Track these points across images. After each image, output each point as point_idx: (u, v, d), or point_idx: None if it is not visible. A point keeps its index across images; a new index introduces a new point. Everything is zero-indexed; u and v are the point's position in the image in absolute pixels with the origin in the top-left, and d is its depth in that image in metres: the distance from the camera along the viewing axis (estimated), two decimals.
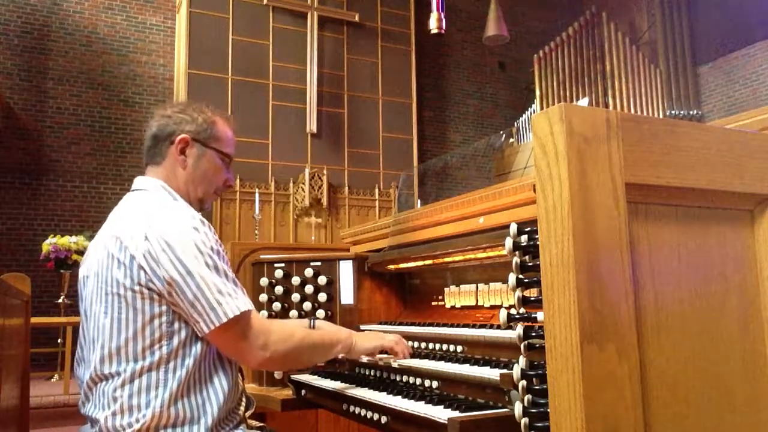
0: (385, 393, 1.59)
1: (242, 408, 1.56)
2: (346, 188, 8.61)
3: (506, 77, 10.87)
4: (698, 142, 1.06)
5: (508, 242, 1.14)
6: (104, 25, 8.17)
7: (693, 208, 1.08)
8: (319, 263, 2.20)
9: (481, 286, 1.86)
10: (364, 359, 1.77)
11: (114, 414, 1.36)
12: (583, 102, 7.49)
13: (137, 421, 1.35)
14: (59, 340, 6.04)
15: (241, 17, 8.22)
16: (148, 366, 1.37)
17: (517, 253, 1.13)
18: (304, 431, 2.52)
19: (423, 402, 1.44)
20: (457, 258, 1.88)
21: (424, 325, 1.91)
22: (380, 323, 2.13)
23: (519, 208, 1.65)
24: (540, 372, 1.07)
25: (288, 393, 2.03)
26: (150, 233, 1.38)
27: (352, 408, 1.65)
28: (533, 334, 1.10)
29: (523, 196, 1.62)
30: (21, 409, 2.52)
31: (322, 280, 2.16)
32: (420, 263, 2.04)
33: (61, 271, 6.12)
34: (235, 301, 1.38)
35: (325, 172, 8.36)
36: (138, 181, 1.61)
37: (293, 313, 2.18)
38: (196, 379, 1.41)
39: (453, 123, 10.37)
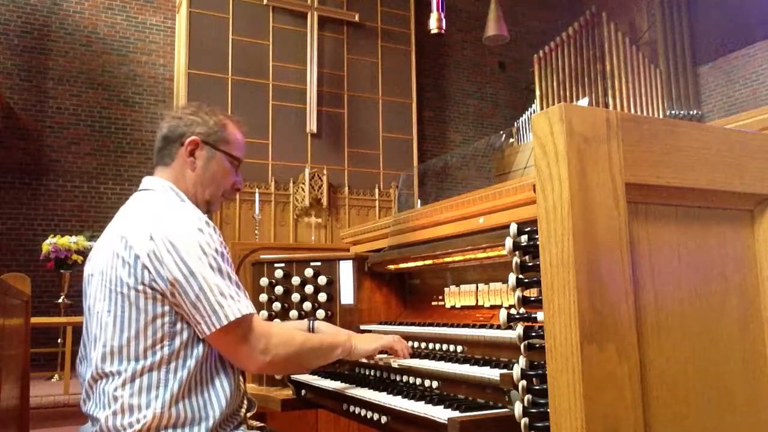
0: (385, 393, 1.59)
1: (243, 410, 1.56)
2: (346, 188, 8.61)
3: (506, 77, 10.87)
4: (698, 142, 1.06)
5: (508, 242, 1.14)
6: (104, 25, 8.17)
7: (693, 208, 1.08)
8: (319, 263, 2.20)
9: (481, 286, 1.86)
10: (364, 359, 1.77)
11: (114, 413, 1.36)
12: (583, 102, 7.49)
13: (138, 421, 1.35)
14: (59, 340, 6.04)
15: (241, 17, 8.22)
16: (149, 366, 1.37)
17: (517, 253, 1.13)
18: (304, 431, 2.52)
19: (423, 402, 1.44)
20: (457, 258, 1.88)
21: (424, 325, 1.91)
22: (380, 323, 2.13)
23: (519, 208, 1.65)
24: (540, 372, 1.07)
25: (288, 393, 2.03)
26: (155, 233, 1.38)
27: (352, 408, 1.65)
28: (533, 334, 1.10)
29: (523, 196, 1.62)
30: (21, 409, 2.52)
31: (322, 280, 2.16)
32: (420, 263, 2.04)
33: (61, 271, 6.12)
34: (237, 303, 1.38)
35: (325, 172, 8.36)
36: (146, 181, 1.61)
37: (293, 313, 2.18)
38: (197, 381, 1.41)
39: (453, 123, 10.37)
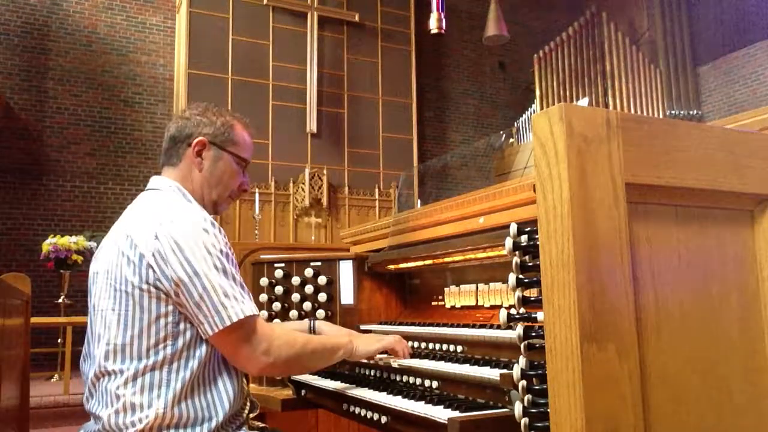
0: (385, 393, 1.59)
1: (246, 411, 1.56)
2: (346, 188, 8.62)
3: (506, 77, 10.87)
4: (698, 142, 1.06)
5: (508, 242, 1.14)
6: (104, 25, 8.18)
7: (693, 208, 1.08)
8: (319, 263, 2.20)
9: (481, 286, 1.86)
10: (364, 359, 1.77)
11: (117, 412, 1.36)
12: (583, 102, 7.50)
13: (140, 420, 1.35)
14: (59, 340, 6.04)
15: (241, 17, 8.22)
16: (152, 365, 1.37)
17: (517, 253, 1.13)
18: (304, 431, 2.52)
19: (423, 402, 1.44)
20: (457, 258, 1.88)
21: (424, 325, 1.91)
22: (380, 323, 2.13)
23: (519, 208, 1.65)
24: (540, 372, 1.07)
25: (288, 393, 2.03)
26: (160, 233, 1.38)
27: (352, 408, 1.65)
28: (533, 334, 1.10)
29: (523, 196, 1.62)
30: (21, 409, 2.52)
31: (322, 280, 2.16)
32: (420, 263, 2.04)
33: (61, 271, 6.12)
34: (240, 305, 1.38)
35: (325, 172, 8.36)
36: (153, 181, 1.61)
37: (293, 313, 2.18)
38: (200, 382, 1.41)
39: (453, 123, 10.37)
